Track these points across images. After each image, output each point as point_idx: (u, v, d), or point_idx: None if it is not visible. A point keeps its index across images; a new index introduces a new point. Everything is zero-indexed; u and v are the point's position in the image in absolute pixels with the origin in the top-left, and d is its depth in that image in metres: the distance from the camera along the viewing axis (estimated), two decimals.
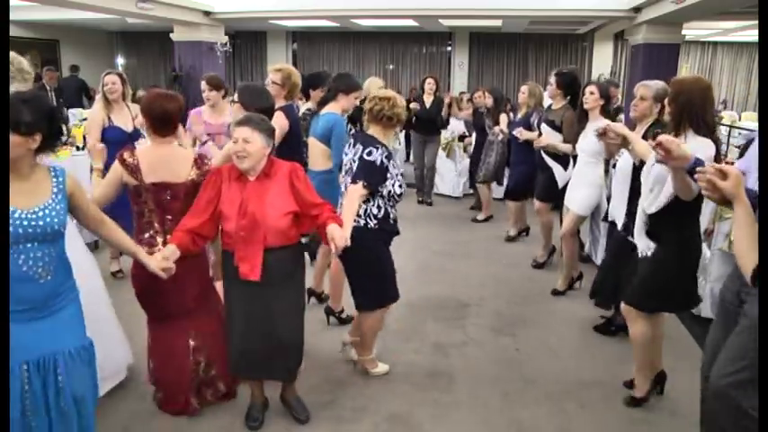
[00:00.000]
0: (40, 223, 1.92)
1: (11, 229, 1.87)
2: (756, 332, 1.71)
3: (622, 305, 2.92)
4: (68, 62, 11.61)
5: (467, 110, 7.65)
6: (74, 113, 7.45)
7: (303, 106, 4.38)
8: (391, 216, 3.08)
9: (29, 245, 1.91)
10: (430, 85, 7.13)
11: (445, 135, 7.69)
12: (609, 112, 4.14)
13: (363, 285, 3.08)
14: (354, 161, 2.97)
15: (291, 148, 3.58)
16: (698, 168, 1.75)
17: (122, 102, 4.38)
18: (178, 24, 9.45)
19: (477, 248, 5.63)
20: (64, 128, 2.06)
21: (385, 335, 3.71)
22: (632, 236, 2.99)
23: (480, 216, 6.68)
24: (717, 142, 2.58)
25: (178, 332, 2.74)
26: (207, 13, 9.47)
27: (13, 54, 3.03)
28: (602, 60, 12.69)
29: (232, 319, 2.63)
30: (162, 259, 2.35)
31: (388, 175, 2.96)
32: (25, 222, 1.89)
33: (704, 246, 4.11)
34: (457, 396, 3.07)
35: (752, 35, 11.24)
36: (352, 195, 2.85)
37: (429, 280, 4.77)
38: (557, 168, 4.68)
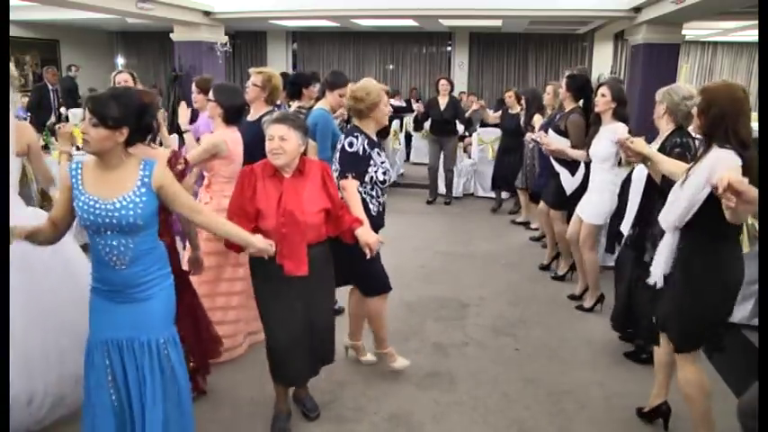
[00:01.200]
0: (116, 215, 2.00)
1: (91, 217, 1.99)
2: None
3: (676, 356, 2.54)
4: (68, 62, 11.60)
5: (494, 115, 7.35)
6: (74, 113, 7.45)
7: (294, 105, 4.38)
8: (372, 208, 3.01)
9: (108, 233, 2.02)
10: (444, 86, 7.05)
11: None
12: (623, 115, 3.90)
13: (360, 273, 3.07)
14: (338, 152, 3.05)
15: None
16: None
17: None
18: (178, 24, 9.44)
19: (477, 249, 5.64)
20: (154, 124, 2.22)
21: None
22: (636, 250, 3.00)
23: (520, 218, 6.67)
24: (745, 156, 2.18)
25: None
26: (207, 13, 9.46)
27: None
28: (602, 60, 12.68)
29: (274, 324, 2.60)
30: (262, 239, 2.35)
31: (372, 162, 2.98)
32: (103, 213, 1.99)
33: None
34: (457, 396, 3.07)
35: (752, 35, 11.24)
36: (351, 191, 2.88)
37: (430, 280, 4.77)
38: (563, 173, 4.45)
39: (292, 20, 11.30)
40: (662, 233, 2.54)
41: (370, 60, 13.84)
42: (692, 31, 9.92)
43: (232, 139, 3.16)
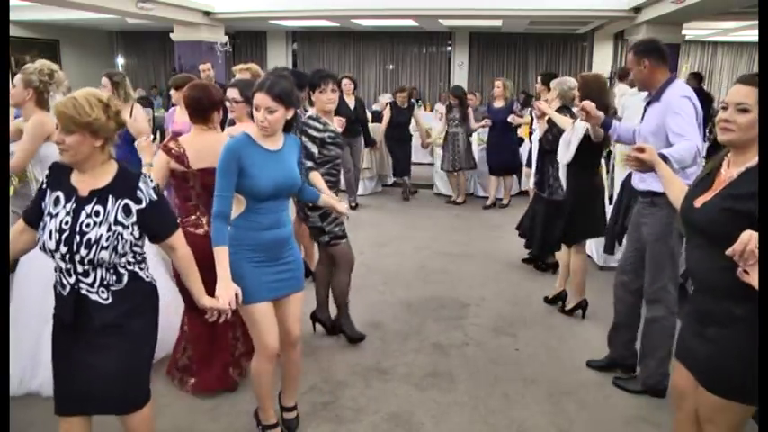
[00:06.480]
0: None
1: None
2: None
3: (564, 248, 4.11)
4: (68, 62, 11.60)
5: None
6: None
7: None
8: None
9: None
10: (348, 85, 6.66)
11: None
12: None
13: None
14: None
15: None
16: (628, 154, 2.23)
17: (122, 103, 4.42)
18: (178, 24, 9.46)
19: (477, 248, 5.64)
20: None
21: (385, 335, 3.71)
22: (541, 190, 4.44)
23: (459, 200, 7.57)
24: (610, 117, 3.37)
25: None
26: (207, 13, 9.48)
27: (44, 63, 3.07)
28: (602, 60, 12.68)
29: None
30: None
31: (43, 206, 1.90)
32: None
33: None
34: (457, 396, 3.07)
35: (752, 35, 11.25)
36: None
37: (429, 280, 4.77)
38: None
39: (292, 20, 11.31)
40: (553, 175, 4.31)
41: (370, 60, 13.86)
42: (692, 31, 9.93)
43: None
